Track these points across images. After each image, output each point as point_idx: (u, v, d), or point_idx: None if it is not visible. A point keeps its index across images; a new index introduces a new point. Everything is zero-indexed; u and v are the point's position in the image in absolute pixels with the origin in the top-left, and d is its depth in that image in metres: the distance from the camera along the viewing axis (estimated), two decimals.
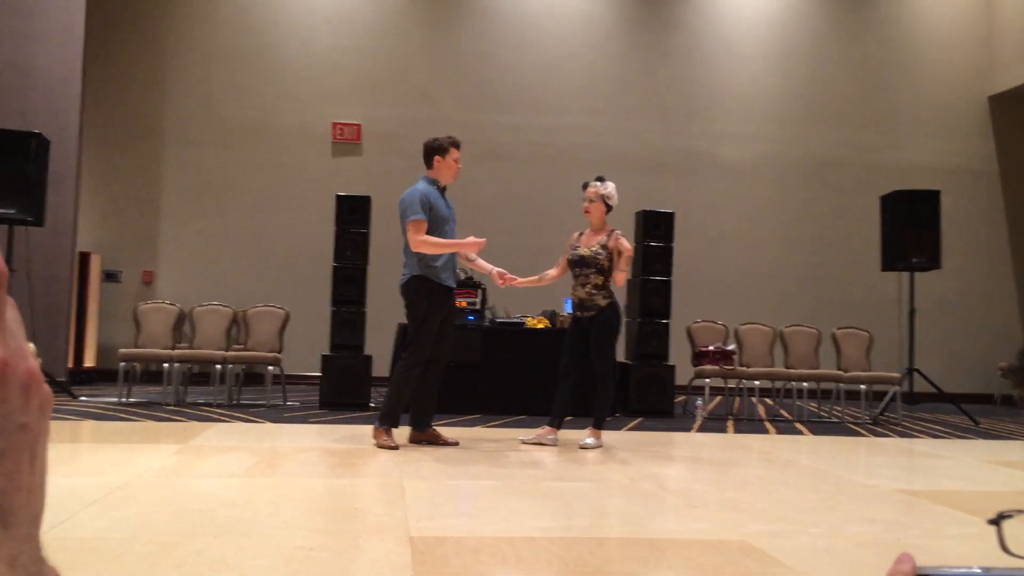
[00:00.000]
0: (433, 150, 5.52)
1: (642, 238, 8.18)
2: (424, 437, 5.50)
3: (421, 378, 5.45)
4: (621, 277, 5.57)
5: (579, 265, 5.63)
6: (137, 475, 4.07)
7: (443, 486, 4.16)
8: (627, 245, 5.61)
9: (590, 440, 5.60)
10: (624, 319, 8.05)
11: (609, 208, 5.72)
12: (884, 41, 11.69)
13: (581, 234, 5.81)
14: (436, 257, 5.34)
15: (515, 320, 7.90)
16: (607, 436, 5.91)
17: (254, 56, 10.77)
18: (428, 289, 5.32)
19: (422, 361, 5.36)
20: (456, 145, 5.55)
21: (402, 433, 5.45)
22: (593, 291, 5.60)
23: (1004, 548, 0.64)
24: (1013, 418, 8.56)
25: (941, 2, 11.81)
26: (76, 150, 8.69)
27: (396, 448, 5.20)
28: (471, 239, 5.39)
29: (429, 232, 5.30)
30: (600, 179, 5.75)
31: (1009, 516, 0.64)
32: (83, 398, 7.82)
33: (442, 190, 5.49)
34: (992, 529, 0.66)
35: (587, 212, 5.72)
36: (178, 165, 10.62)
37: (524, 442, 5.71)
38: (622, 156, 11.13)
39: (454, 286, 5.51)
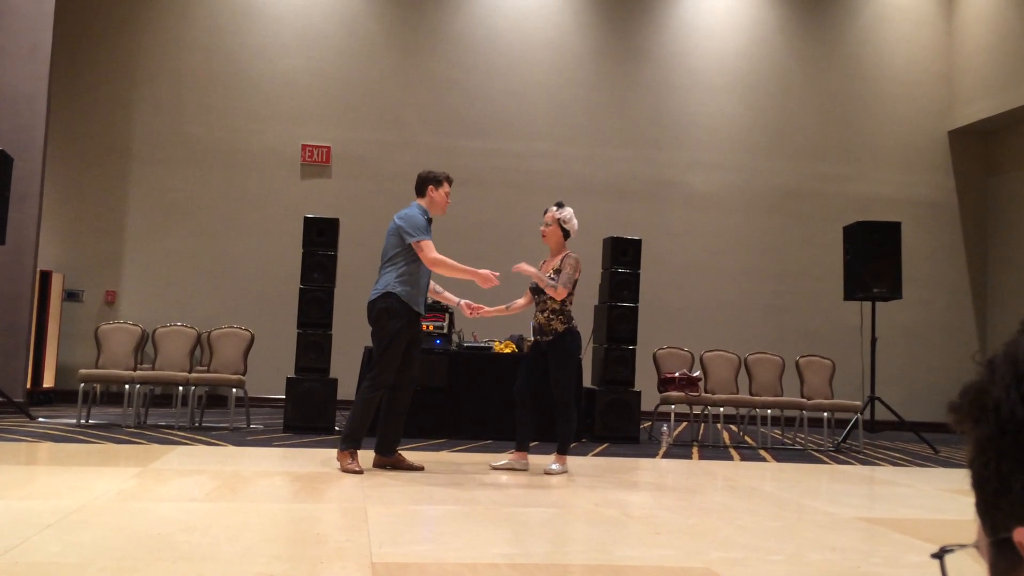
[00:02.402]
0: (427, 180, 5.55)
1: (609, 264, 8.24)
2: (388, 461, 5.47)
3: (389, 403, 5.42)
4: (552, 292, 5.52)
5: (537, 292, 5.68)
6: (94, 498, 3.99)
7: (407, 511, 4.13)
8: (569, 266, 5.58)
9: (555, 466, 5.60)
10: (585, 343, 8.09)
11: (566, 233, 5.71)
12: (848, 76, 11.93)
13: (544, 261, 5.86)
14: (416, 280, 5.33)
15: (482, 344, 7.90)
16: (572, 461, 5.91)
17: (223, 76, 10.73)
18: (399, 310, 5.29)
19: (386, 383, 5.33)
20: (450, 180, 5.63)
21: (366, 456, 5.41)
22: (551, 316, 5.61)
23: None
24: None
25: (903, 39, 12.09)
26: (40, 168, 8.58)
27: (361, 472, 5.17)
28: (487, 271, 5.41)
29: (411, 262, 5.30)
30: (559, 204, 5.76)
31: (951, 550, 0.66)
32: (41, 419, 7.68)
33: (429, 221, 5.48)
34: (948, 559, 0.68)
35: (544, 236, 5.76)
36: (144, 185, 10.52)
37: (494, 467, 5.70)
38: (591, 183, 11.23)
39: (423, 313, 5.50)
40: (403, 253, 5.33)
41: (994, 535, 0.62)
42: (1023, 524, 0.59)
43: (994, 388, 0.62)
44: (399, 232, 5.35)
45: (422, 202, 5.52)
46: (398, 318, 5.27)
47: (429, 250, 5.28)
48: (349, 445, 5.25)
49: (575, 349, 5.71)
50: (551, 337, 5.61)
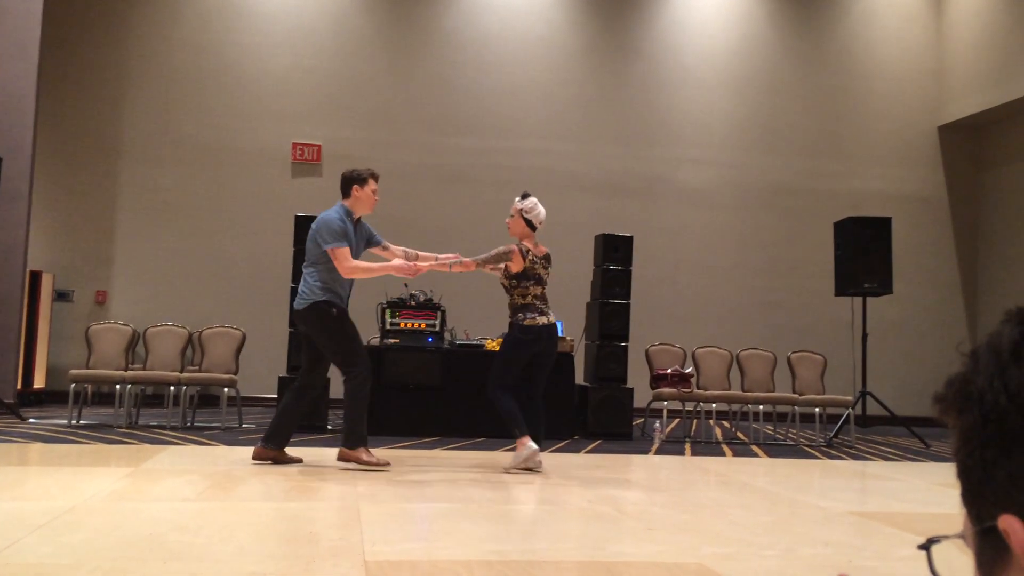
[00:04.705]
0: (351, 180, 5.45)
1: (601, 261, 8.24)
2: (272, 455, 5.38)
3: (297, 400, 5.41)
4: (459, 268, 5.47)
5: (505, 277, 5.63)
6: (86, 499, 3.98)
7: (399, 509, 4.13)
8: (510, 250, 5.47)
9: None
10: (577, 341, 8.09)
11: (531, 225, 5.57)
12: (838, 72, 11.97)
13: None
14: (334, 288, 5.26)
15: (474, 342, 7.90)
16: (564, 459, 5.90)
17: (213, 75, 10.70)
18: (331, 311, 5.25)
19: (367, 370, 5.30)
20: (375, 177, 5.51)
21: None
22: (509, 307, 5.63)
23: (933, 572, 0.66)
24: None
25: (894, 35, 12.13)
26: (29, 167, 8.54)
27: (388, 464, 5.20)
28: (397, 262, 5.35)
29: (331, 269, 5.27)
30: (523, 195, 5.63)
31: (938, 540, 0.67)
32: (32, 420, 7.65)
33: (356, 221, 5.43)
34: (934, 550, 0.68)
35: (508, 227, 5.65)
36: (134, 184, 10.48)
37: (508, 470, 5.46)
38: (582, 180, 11.24)
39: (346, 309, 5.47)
40: (323, 258, 5.26)
41: (979, 524, 0.62)
42: (1008, 512, 0.59)
43: (978, 378, 0.62)
44: (315, 237, 5.29)
45: (346, 202, 5.43)
46: (335, 317, 5.25)
47: (344, 259, 5.20)
48: (361, 443, 5.24)
49: (507, 344, 5.59)
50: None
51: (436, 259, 5.53)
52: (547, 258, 5.67)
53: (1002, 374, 0.61)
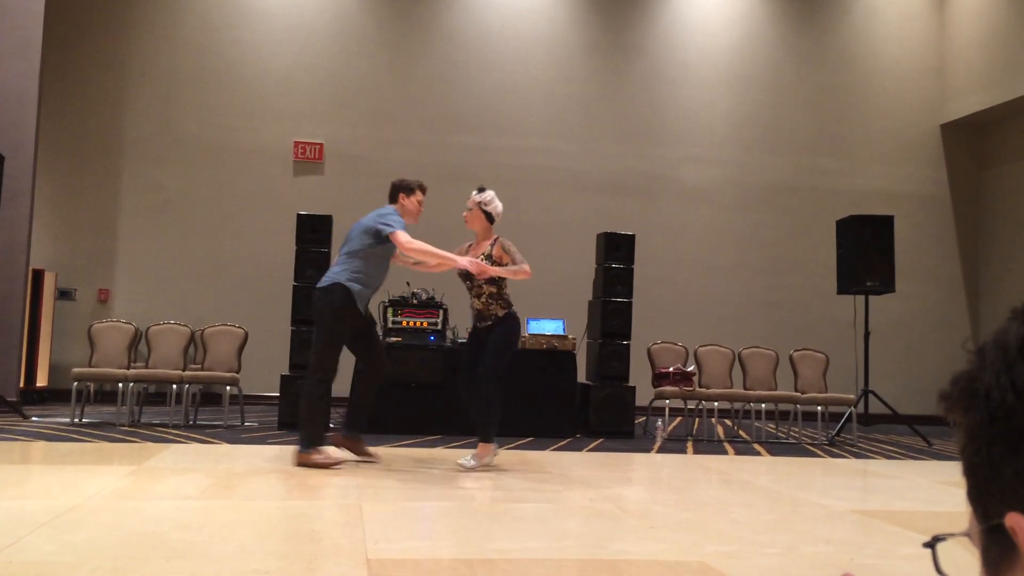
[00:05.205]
0: (399, 188, 5.58)
1: (603, 260, 8.24)
2: (350, 444, 5.54)
3: (366, 386, 5.55)
4: (523, 274, 5.40)
5: (468, 278, 5.47)
6: (88, 497, 3.99)
7: (402, 508, 4.13)
8: (507, 247, 5.43)
9: (470, 460, 5.38)
10: (580, 339, 8.10)
11: (490, 217, 5.52)
12: (840, 70, 11.95)
13: (470, 245, 5.67)
14: (371, 278, 5.33)
15: None
16: (567, 457, 5.90)
17: (216, 74, 10.70)
18: (350, 306, 5.28)
19: (328, 382, 5.35)
20: (423, 189, 5.61)
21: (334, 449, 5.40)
22: (489, 301, 5.47)
23: (938, 570, 0.66)
24: None
25: (896, 33, 12.11)
26: (32, 166, 8.55)
27: (340, 462, 5.26)
28: (467, 258, 5.34)
29: (376, 264, 5.34)
30: (479, 189, 5.59)
31: (943, 539, 0.66)
32: (35, 418, 7.65)
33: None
34: (940, 548, 0.68)
35: (467, 221, 5.58)
36: (137, 183, 10.49)
37: (464, 466, 5.43)
38: (583, 179, 11.23)
39: (364, 313, 5.49)
40: (368, 252, 5.31)
41: (986, 522, 0.62)
42: (1014, 509, 0.59)
43: (984, 375, 0.62)
44: (373, 225, 5.33)
45: (395, 208, 5.55)
46: (349, 316, 5.30)
47: (407, 240, 5.24)
48: (313, 444, 5.28)
49: (514, 336, 5.54)
50: (491, 322, 5.47)
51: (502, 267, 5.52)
52: None
53: (1009, 371, 0.60)
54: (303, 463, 5.25)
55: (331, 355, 5.34)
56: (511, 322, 5.51)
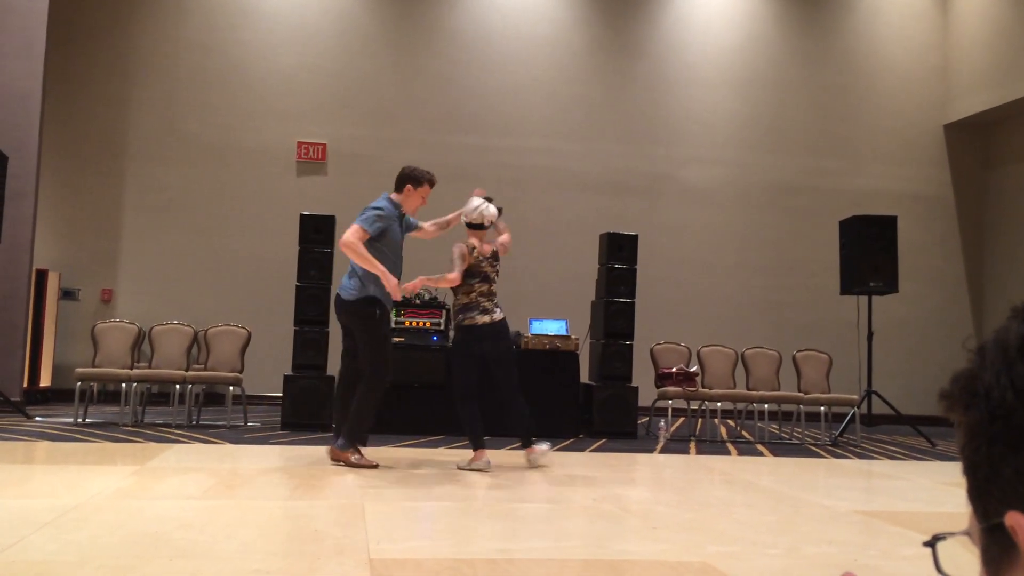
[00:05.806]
0: (408, 178, 5.58)
1: (606, 260, 8.24)
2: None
3: (346, 391, 5.55)
4: (444, 283, 5.54)
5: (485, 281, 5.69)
6: (91, 497, 3.99)
7: (404, 508, 4.13)
8: (459, 252, 5.50)
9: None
10: (583, 339, 8.09)
11: (474, 226, 5.61)
12: (843, 70, 11.94)
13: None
14: (378, 279, 5.33)
15: None
16: (569, 457, 5.89)
17: (219, 74, 10.71)
18: (375, 312, 5.35)
19: (387, 378, 5.41)
20: (431, 183, 5.63)
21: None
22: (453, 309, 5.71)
23: (939, 569, 0.66)
24: None
25: (899, 32, 12.10)
26: (35, 166, 8.56)
27: (375, 464, 5.25)
28: (395, 281, 5.30)
29: (384, 257, 5.33)
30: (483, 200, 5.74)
31: (943, 538, 0.66)
32: (38, 418, 7.67)
33: (401, 216, 5.53)
34: (940, 547, 0.68)
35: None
36: (140, 183, 10.50)
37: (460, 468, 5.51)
38: (586, 179, 11.23)
39: (390, 307, 5.59)
40: (370, 249, 5.30)
41: (986, 521, 0.62)
42: (1014, 508, 0.59)
43: (984, 374, 0.62)
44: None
45: (395, 196, 5.54)
46: (374, 318, 5.33)
47: (353, 234, 5.23)
48: (353, 444, 5.28)
49: (457, 346, 5.59)
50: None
51: (424, 278, 5.60)
52: (495, 256, 5.66)
53: (1009, 370, 0.60)
54: (338, 459, 5.25)
55: (385, 357, 5.38)
56: (459, 332, 5.58)
